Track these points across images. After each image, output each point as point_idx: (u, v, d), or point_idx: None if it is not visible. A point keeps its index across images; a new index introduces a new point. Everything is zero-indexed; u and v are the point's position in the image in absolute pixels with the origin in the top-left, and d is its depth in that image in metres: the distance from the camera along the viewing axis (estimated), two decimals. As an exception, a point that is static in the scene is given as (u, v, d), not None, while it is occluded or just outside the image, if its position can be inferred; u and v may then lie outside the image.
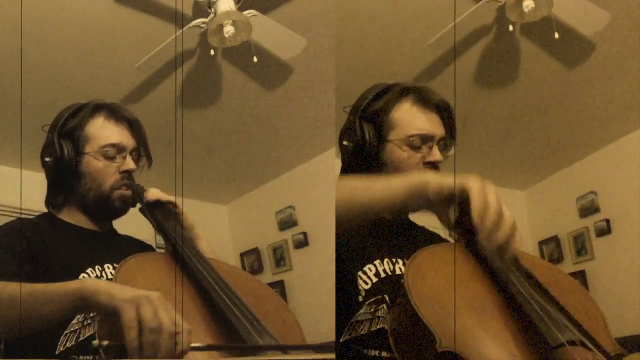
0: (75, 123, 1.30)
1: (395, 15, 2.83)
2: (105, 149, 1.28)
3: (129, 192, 1.29)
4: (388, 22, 2.88)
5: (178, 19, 2.75)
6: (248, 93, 3.46)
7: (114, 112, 1.33)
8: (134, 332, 0.82)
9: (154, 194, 1.28)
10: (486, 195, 0.92)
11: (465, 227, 0.97)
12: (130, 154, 1.30)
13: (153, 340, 0.82)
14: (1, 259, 1.16)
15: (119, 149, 1.29)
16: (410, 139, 1.25)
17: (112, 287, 0.90)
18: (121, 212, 1.32)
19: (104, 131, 1.30)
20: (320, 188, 3.82)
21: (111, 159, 1.28)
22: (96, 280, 0.93)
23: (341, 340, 1.11)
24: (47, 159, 1.29)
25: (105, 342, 0.82)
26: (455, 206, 0.94)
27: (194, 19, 2.74)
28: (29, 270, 1.15)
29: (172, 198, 1.30)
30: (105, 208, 1.30)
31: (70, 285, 0.95)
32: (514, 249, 0.92)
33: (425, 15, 2.82)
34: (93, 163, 1.28)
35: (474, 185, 0.92)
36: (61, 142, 1.27)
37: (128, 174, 1.29)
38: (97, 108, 1.32)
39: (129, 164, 1.29)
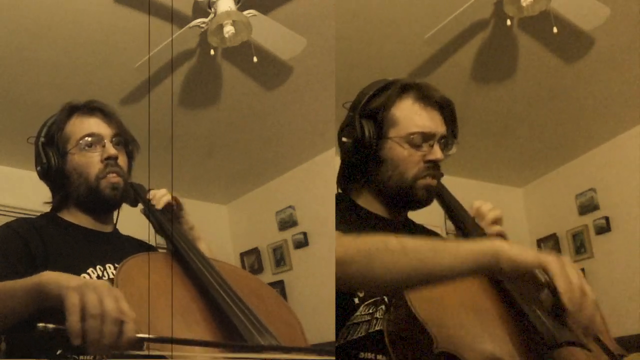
0: (55, 127, 1.33)
1: (392, 10, 2.82)
2: (81, 141, 1.30)
3: (117, 179, 1.29)
4: (385, 17, 2.87)
5: (175, 19, 2.74)
6: (248, 93, 3.46)
7: (87, 107, 1.35)
8: (75, 317, 0.83)
9: (165, 199, 1.28)
10: (568, 274, 0.86)
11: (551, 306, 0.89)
12: (111, 141, 1.32)
13: (95, 327, 0.83)
14: None
15: (97, 138, 1.31)
16: (411, 136, 1.23)
17: (60, 276, 0.92)
18: (114, 200, 1.31)
19: (78, 126, 1.32)
20: (320, 188, 3.81)
21: (90, 149, 1.30)
22: (51, 273, 0.93)
23: (336, 345, 1.09)
24: (38, 169, 1.33)
25: (51, 326, 0.83)
26: (548, 292, 0.87)
27: (194, 19, 2.74)
28: (24, 271, 1.14)
29: (180, 201, 1.31)
30: (97, 199, 1.30)
31: (31, 280, 0.95)
32: (597, 326, 0.89)
33: (422, 10, 2.81)
34: (74, 159, 1.30)
35: (554, 265, 0.86)
36: (46, 150, 1.31)
37: (112, 160, 1.30)
38: (72, 109, 1.35)
39: (110, 150, 1.30)
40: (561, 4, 2.60)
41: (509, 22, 2.69)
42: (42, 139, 1.32)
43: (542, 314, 0.98)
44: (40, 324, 0.82)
